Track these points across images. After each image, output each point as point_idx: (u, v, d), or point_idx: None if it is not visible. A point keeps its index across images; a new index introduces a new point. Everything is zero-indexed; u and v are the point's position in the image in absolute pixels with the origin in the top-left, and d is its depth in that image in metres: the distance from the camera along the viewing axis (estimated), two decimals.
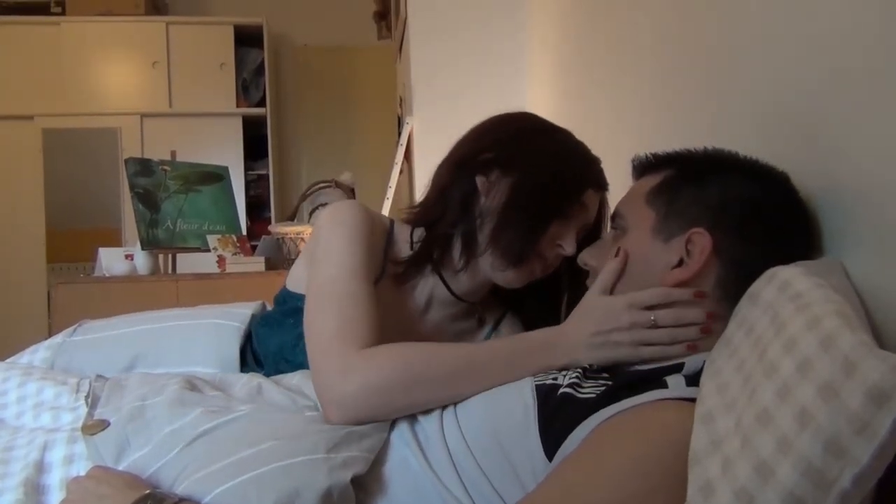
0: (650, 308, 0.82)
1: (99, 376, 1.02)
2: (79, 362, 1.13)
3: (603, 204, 1.09)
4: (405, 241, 1.09)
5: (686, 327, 0.81)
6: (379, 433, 0.82)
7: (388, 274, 1.06)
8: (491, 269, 1.04)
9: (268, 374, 1.08)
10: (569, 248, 1.02)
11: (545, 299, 1.14)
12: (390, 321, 1.05)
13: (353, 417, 0.83)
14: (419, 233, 1.09)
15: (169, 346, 1.15)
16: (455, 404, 0.85)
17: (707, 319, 0.81)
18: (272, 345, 1.12)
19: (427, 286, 1.09)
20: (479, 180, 1.04)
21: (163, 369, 1.11)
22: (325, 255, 0.98)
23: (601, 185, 1.08)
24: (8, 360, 1.16)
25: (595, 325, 0.84)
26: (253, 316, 1.20)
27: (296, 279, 1.14)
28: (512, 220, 1.01)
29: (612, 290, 0.87)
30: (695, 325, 0.81)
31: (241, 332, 1.16)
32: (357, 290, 0.93)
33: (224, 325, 1.18)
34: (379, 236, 1.06)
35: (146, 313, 1.24)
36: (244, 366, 1.14)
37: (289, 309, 1.12)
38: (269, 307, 1.25)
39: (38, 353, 1.16)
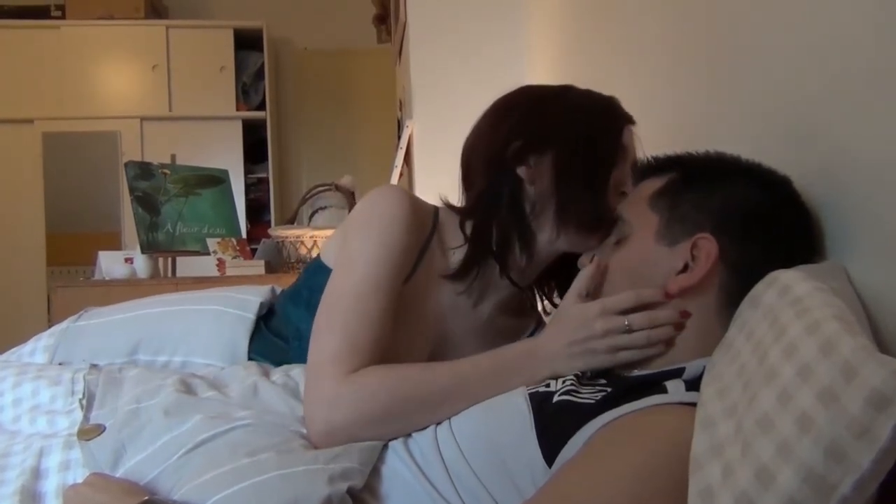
0: (624, 313, 0.83)
1: (93, 367, 1.01)
2: (82, 347, 1.12)
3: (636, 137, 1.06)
4: (454, 231, 1.04)
5: (660, 328, 0.82)
6: (375, 446, 0.82)
7: (424, 265, 1.02)
8: (571, 245, 1.00)
9: (294, 354, 1.06)
10: (632, 189, 0.99)
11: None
12: (437, 312, 1.03)
13: (330, 444, 0.82)
14: (478, 234, 1.04)
15: (171, 334, 1.13)
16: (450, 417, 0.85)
17: (680, 317, 0.81)
18: (304, 329, 1.04)
19: (484, 276, 1.04)
20: (522, 171, 0.99)
21: (164, 357, 1.10)
22: (350, 259, 0.95)
23: (629, 118, 1.05)
24: (11, 350, 1.16)
25: (570, 335, 0.84)
26: (261, 304, 1.17)
27: (328, 252, 1.10)
28: (571, 192, 0.97)
29: (590, 296, 0.88)
30: (668, 324, 0.81)
31: (249, 323, 1.14)
32: (371, 308, 0.91)
33: (230, 313, 1.15)
34: (424, 226, 1.02)
35: (151, 298, 1.22)
36: (256, 338, 1.12)
37: (316, 284, 1.05)
38: (279, 290, 1.22)
39: (41, 341, 1.15)
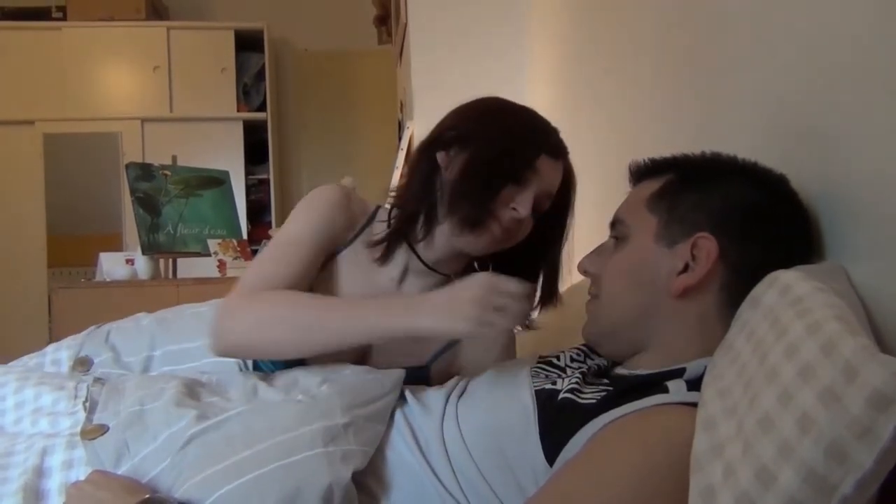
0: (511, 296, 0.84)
1: (97, 380, 1.02)
2: (107, 344, 1.18)
3: (568, 172, 1.12)
4: (383, 222, 1.14)
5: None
6: (376, 427, 0.83)
7: (356, 247, 1.13)
8: (452, 236, 1.08)
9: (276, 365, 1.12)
10: (522, 210, 1.05)
11: (522, 270, 1.16)
12: (367, 294, 1.11)
13: (222, 349, 0.98)
14: (395, 213, 1.14)
15: (187, 325, 1.20)
16: (456, 410, 0.85)
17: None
18: None
19: (402, 258, 1.13)
20: (440, 156, 1.09)
21: (183, 344, 1.17)
22: (281, 230, 1.10)
23: (557, 152, 1.10)
24: (30, 356, 1.19)
25: (451, 292, 0.87)
26: None
27: None
28: (465, 187, 1.05)
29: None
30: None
31: None
32: (290, 253, 1.05)
33: None
34: (357, 215, 1.15)
35: (162, 311, 1.30)
36: None
37: None
38: None
39: (62, 345, 1.20)
